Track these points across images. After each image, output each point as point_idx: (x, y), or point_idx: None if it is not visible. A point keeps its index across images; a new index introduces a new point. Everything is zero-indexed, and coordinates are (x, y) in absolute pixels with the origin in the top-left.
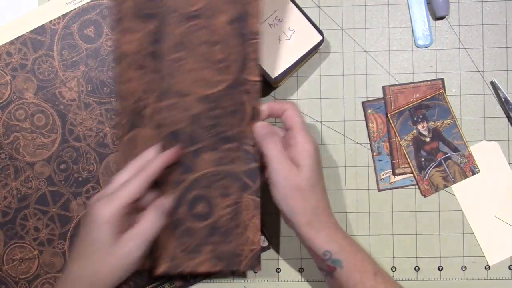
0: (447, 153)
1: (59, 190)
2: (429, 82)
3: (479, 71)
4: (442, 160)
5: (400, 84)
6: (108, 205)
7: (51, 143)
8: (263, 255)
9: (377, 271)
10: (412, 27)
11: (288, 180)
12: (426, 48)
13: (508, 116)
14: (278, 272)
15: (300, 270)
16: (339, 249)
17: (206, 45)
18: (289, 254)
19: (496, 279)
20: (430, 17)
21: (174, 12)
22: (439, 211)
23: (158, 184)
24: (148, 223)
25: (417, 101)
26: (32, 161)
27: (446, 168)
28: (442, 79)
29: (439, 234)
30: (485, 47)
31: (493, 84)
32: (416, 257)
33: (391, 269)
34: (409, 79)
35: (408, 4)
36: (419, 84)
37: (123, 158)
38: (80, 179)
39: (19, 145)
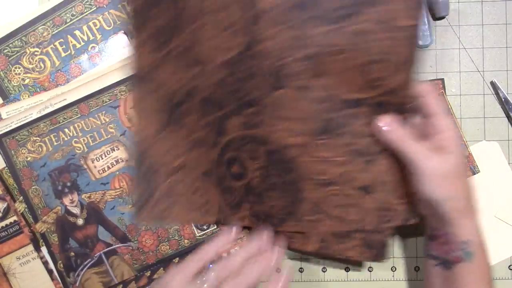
0: None
1: None
2: (429, 82)
3: (479, 71)
4: None
5: None
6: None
7: None
8: None
9: (492, 280)
10: None
11: (437, 169)
12: (426, 48)
13: (508, 116)
14: (278, 272)
15: (301, 270)
16: (478, 243)
17: None
18: (290, 254)
19: (496, 279)
20: (430, 17)
21: None
22: None
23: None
24: None
25: None
26: None
27: None
28: (442, 79)
29: None
30: (485, 47)
31: (493, 84)
32: (416, 257)
33: (391, 269)
34: None
35: None
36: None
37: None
38: None
39: None
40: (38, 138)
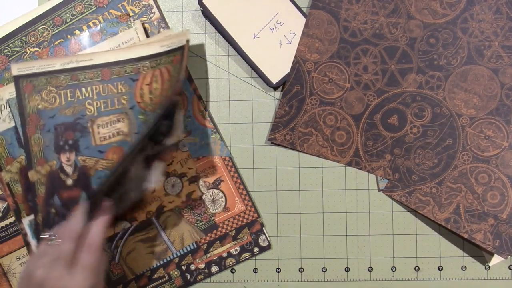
0: None
1: None
2: None
3: None
4: None
5: None
6: None
7: None
8: (263, 255)
9: None
10: None
11: None
12: None
13: None
14: (278, 272)
15: (300, 270)
16: None
17: None
18: (289, 254)
19: (496, 279)
20: None
21: None
22: None
23: None
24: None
25: None
26: None
27: None
28: None
29: (439, 234)
30: None
31: None
32: (416, 257)
33: (391, 269)
34: None
35: None
36: None
37: None
38: None
39: None
40: (54, 89)
